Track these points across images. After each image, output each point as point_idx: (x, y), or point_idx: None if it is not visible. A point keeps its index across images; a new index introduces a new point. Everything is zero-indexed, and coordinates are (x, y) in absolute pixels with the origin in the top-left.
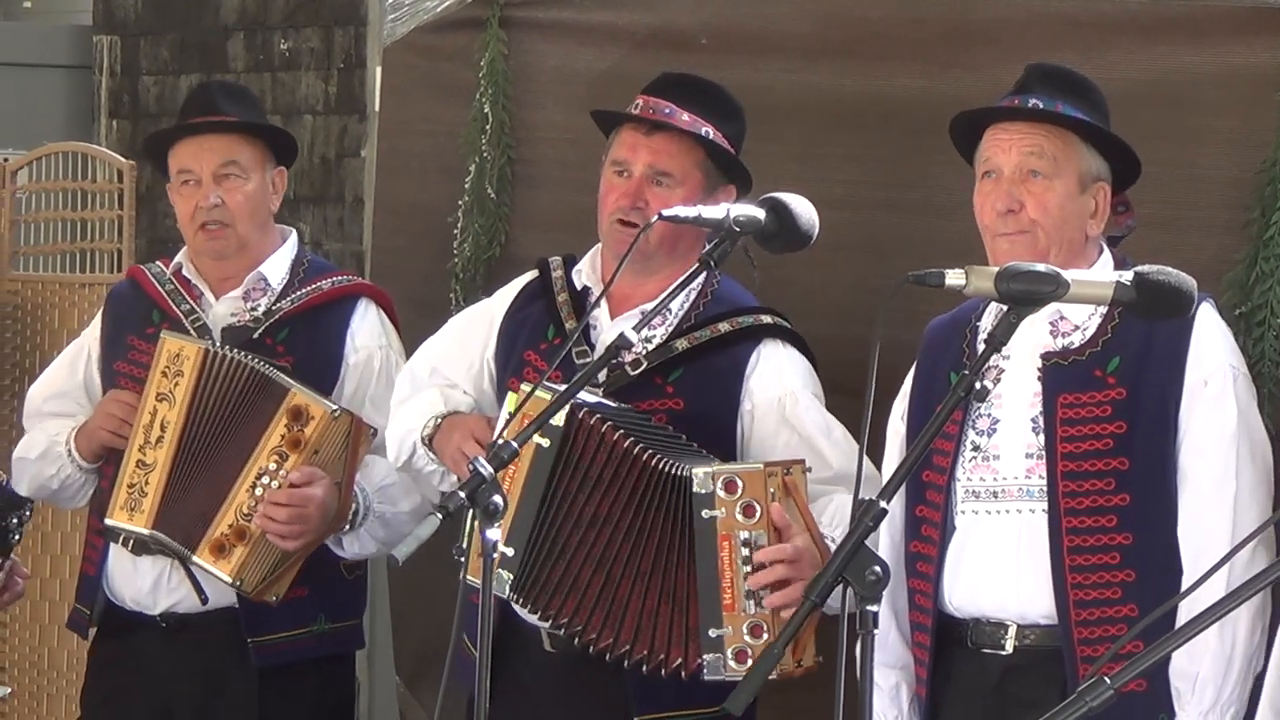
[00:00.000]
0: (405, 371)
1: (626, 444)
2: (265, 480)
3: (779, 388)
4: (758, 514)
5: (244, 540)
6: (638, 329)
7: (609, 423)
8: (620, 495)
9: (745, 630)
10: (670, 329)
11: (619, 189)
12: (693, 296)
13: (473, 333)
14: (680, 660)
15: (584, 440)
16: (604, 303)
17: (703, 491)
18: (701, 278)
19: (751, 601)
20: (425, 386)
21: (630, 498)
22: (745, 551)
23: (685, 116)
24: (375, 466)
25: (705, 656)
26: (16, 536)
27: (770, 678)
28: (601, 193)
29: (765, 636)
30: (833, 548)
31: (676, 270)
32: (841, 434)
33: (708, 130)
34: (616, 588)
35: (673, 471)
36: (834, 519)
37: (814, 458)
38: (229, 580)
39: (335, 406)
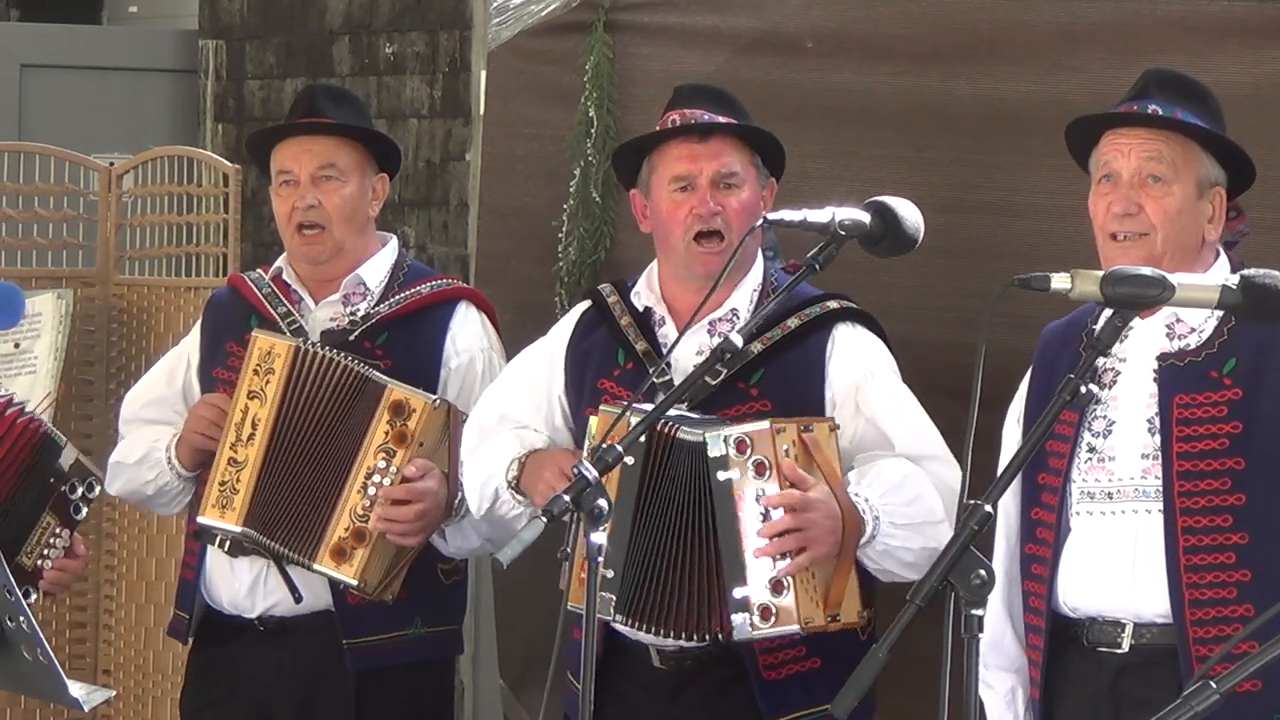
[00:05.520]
0: (471, 422)
1: (669, 429)
2: (376, 479)
3: (855, 372)
4: (768, 471)
5: (363, 542)
6: (743, 333)
7: (670, 424)
8: (672, 482)
9: (767, 587)
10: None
11: (688, 203)
12: (755, 297)
13: (535, 373)
14: (719, 626)
15: (664, 451)
16: (669, 319)
17: (717, 455)
18: (760, 279)
19: (770, 559)
20: (494, 434)
21: (670, 478)
22: (759, 508)
23: (722, 119)
24: None
25: (734, 618)
26: (83, 509)
27: (800, 632)
28: (664, 214)
29: (787, 592)
30: (861, 504)
31: (738, 275)
32: (913, 412)
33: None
34: (686, 577)
35: (686, 438)
36: (873, 482)
37: (879, 438)
38: (354, 584)
39: (434, 396)
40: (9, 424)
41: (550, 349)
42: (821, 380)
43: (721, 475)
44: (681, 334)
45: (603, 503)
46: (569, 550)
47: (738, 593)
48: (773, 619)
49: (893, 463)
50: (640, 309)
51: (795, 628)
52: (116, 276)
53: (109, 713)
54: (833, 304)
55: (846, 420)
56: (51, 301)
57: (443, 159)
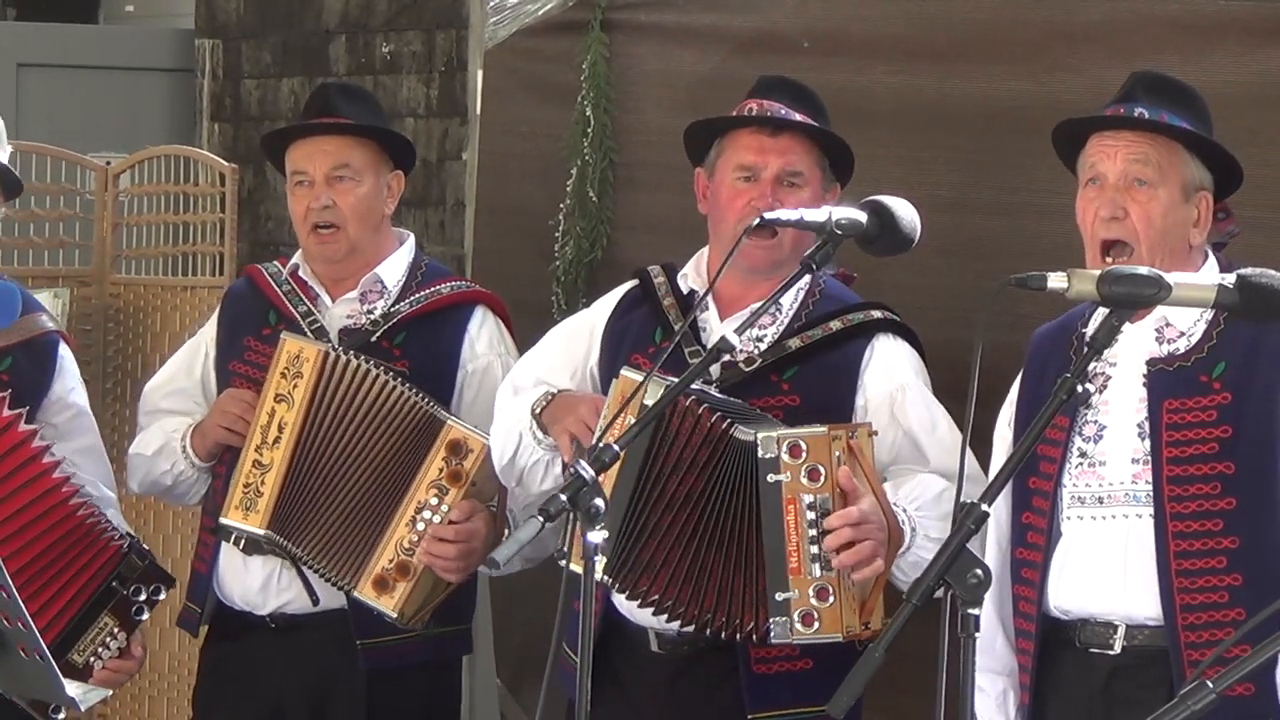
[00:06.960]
0: (506, 383)
1: (713, 419)
2: (426, 515)
3: (890, 383)
4: (823, 478)
5: (407, 575)
6: (740, 330)
7: (704, 405)
8: (705, 471)
9: (811, 593)
10: (781, 328)
11: (748, 194)
12: (800, 295)
13: (574, 343)
14: (752, 625)
15: (678, 423)
16: (714, 305)
17: (768, 456)
18: (807, 278)
19: (817, 565)
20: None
21: (713, 472)
22: (810, 515)
23: (798, 117)
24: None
25: (773, 620)
26: (146, 612)
27: (841, 640)
28: (723, 199)
29: (831, 600)
30: (901, 515)
31: (788, 271)
32: (947, 429)
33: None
34: (701, 561)
35: (740, 437)
36: (912, 494)
37: (915, 454)
38: (392, 616)
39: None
40: (101, 544)
41: (592, 320)
42: (854, 386)
43: (771, 478)
44: (696, 306)
45: (599, 502)
46: (565, 550)
47: (780, 596)
48: (815, 625)
49: (929, 478)
50: (685, 292)
51: (837, 635)
52: (113, 276)
53: (105, 712)
54: (877, 313)
55: (883, 429)
56: (48, 301)
57: (439, 158)
